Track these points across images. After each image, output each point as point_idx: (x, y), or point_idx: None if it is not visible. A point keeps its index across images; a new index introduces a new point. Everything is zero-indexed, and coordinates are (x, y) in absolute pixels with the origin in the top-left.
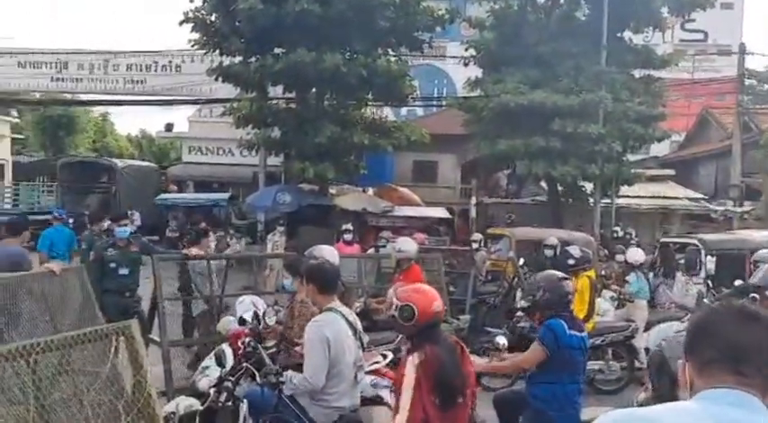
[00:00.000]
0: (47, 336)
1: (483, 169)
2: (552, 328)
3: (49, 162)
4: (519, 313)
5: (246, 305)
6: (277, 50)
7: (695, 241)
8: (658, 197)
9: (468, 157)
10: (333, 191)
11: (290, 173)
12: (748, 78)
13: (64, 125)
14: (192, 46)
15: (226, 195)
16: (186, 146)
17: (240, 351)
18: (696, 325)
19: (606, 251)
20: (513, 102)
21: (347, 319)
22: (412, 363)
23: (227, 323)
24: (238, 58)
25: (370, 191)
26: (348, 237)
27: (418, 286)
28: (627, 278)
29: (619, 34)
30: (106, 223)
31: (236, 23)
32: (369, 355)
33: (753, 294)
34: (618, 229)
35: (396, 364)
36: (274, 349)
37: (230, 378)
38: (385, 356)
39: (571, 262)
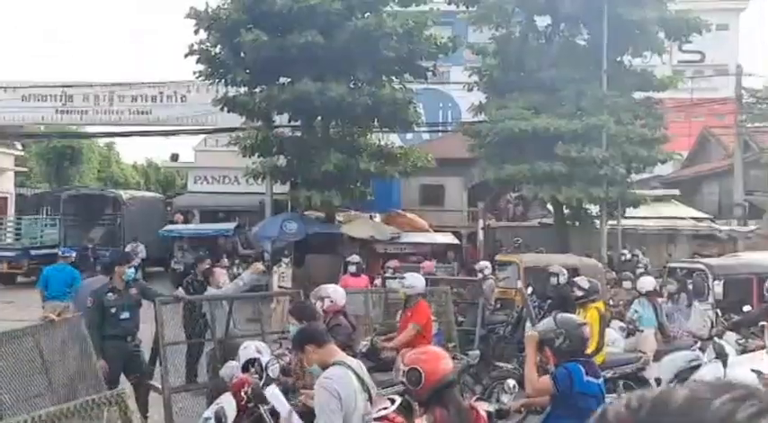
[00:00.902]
0: (42, 391)
1: (489, 192)
2: (570, 371)
3: (53, 194)
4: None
5: (251, 352)
6: (282, 80)
7: (702, 266)
8: (664, 218)
9: (475, 180)
10: (340, 218)
11: (297, 201)
12: (747, 98)
13: (68, 156)
14: (198, 77)
15: (232, 225)
16: (192, 175)
17: (243, 402)
18: None
19: (615, 274)
20: (518, 127)
21: (356, 373)
22: None
23: (231, 370)
24: (243, 89)
25: (378, 217)
26: (353, 269)
27: (425, 348)
28: (633, 306)
29: (618, 58)
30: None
31: (241, 55)
32: (376, 400)
33: (762, 323)
34: (626, 251)
35: (405, 408)
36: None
37: None
38: (393, 401)
39: (579, 294)
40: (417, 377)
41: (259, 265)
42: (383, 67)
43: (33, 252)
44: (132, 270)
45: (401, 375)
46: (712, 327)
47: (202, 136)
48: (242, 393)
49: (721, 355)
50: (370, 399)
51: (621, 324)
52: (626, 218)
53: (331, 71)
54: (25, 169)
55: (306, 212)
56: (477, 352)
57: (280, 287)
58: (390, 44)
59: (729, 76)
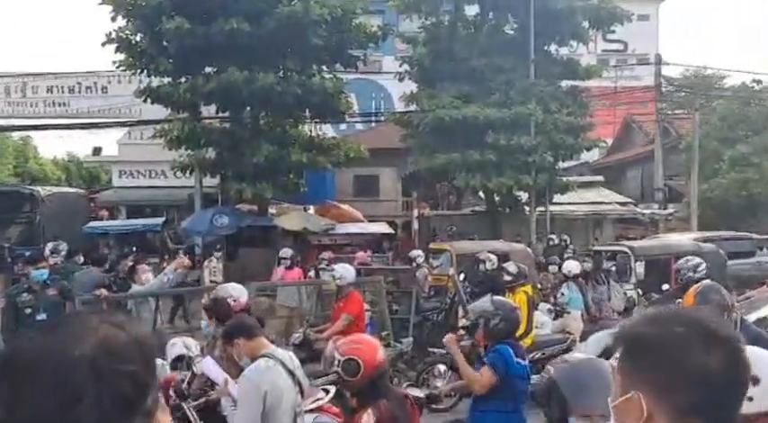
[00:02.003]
0: None
1: (424, 181)
2: (502, 354)
3: None
4: (461, 331)
5: (179, 348)
6: (208, 70)
7: (625, 248)
8: (590, 203)
9: (409, 169)
10: (273, 210)
11: (227, 194)
12: (666, 86)
13: None
14: (118, 67)
15: (159, 220)
16: (116, 170)
17: (170, 400)
18: (662, 351)
19: (543, 260)
20: (448, 116)
21: (285, 365)
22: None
23: (159, 369)
24: (167, 79)
25: (312, 209)
26: (287, 262)
27: (359, 337)
28: (561, 290)
29: (546, 47)
30: None
31: (164, 43)
32: (310, 391)
33: (678, 300)
34: (553, 236)
35: (340, 398)
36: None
37: None
38: (327, 391)
39: (508, 278)
40: (355, 367)
41: (184, 260)
42: (312, 56)
43: None
44: (42, 272)
45: (336, 365)
46: (635, 306)
47: (126, 129)
48: (170, 392)
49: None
50: (302, 391)
51: (549, 306)
52: (554, 204)
53: (259, 60)
54: None
55: (237, 206)
56: (411, 339)
57: (211, 281)
58: (319, 32)
59: (650, 64)
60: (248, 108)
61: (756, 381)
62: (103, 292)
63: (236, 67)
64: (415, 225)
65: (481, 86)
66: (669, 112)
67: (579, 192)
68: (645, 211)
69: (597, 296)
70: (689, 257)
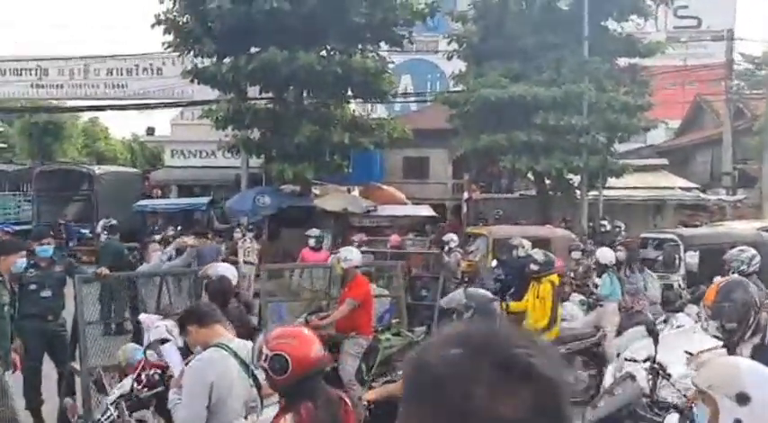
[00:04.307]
0: None
1: (476, 164)
2: None
3: (30, 170)
4: None
5: (161, 331)
6: (253, 50)
7: (674, 236)
8: (650, 188)
9: (460, 151)
10: (317, 191)
11: (270, 174)
12: (740, 64)
13: (51, 132)
14: (166, 48)
15: (205, 199)
16: (169, 149)
17: (143, 383)
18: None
19: (592, 246)
20: (494, 95)
21: (238, 356)
22: None
23: (130, 352)
24: (212, 60)
25: (356, 190)
26: (312, 242)
27: (295, 330)
28: (596, 280)
29: (603, 23)
30: None
31: (209, 24)
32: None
33: None
34: (605, 222)
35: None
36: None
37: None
38: None
39: (534, 268)
40: (283, 365)
41: (186, 239)
42: (354, 35)
43: (7, 228)
44: (46, 248)
45: (263, 361)
46: (680, 298)
47: (179, 109)
48: (142, 376)
49: (652, 332)
50: (258, 385)
51: (582, 297)
52: (609, 188)
53: (299, 39)
54: (4, 145)
55: (282, 186)
56: (423, 328)
57: (245, 262)
58: (361, 10)
59: (723, 41)
60: (290, 88)
61: (745, 399)
62: (104, 270)
63: (278, 46)
64: (465, 208)
65: (531, 64)
66: (747, 92)
67: (640, 175)
68: (711, 197)
69: (631, 286)
70: (743, 248)
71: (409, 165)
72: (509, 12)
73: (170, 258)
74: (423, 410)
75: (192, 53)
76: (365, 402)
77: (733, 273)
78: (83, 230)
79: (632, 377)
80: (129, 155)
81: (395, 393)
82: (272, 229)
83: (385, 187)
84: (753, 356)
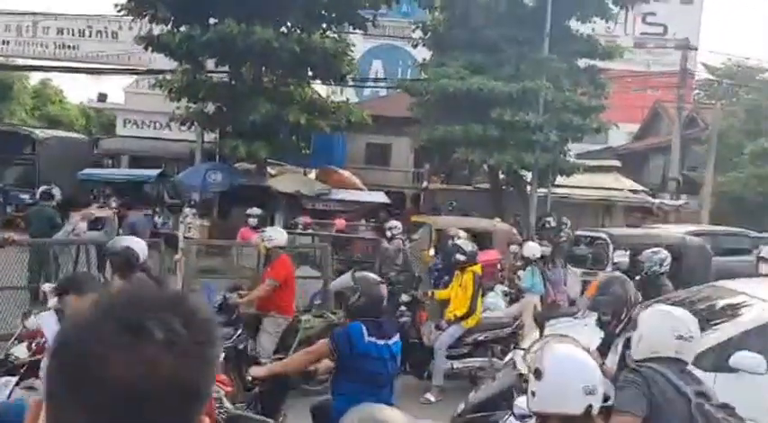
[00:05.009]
0: None
1: (435, 154)
2: (348, 330)
3: None
4: (402, 308)
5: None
6: (212, 22)
7: (604, 235)
8: (600, 188)
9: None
10: (273, 172)
11: (224, 151)
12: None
13: None
14: (119, 11)
15: (155, 172)
16: (121, 118)
17: (33, 350)
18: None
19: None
20: (452, 86)
21: None
22: None
23: (41, 319)
24: (168, 27)
25: (313, 173)
26: (253, 222)
27: None
28: (520, 273)
29: (566, 22)
30: None
31: None
32: None
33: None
34: (550, 219)
35: (236, 365)
36: None
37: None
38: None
39: (461, 258)
40: None
41: (92, 211)
42: (317, 15)
43: None
44: None
45: None
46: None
47: (134, 77)
48: (33, 343)
49: (536, 322)
50: None
51: (505, 289)
52: (560, 186)
53: (259, 13)
54: None
55: (236, 164)
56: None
57: (185, 238)
58: None
59: (685, 50)
60: (247, 63)
61: (539, 374)
62: (12, 235)
63: (236, 19)
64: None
65: (493, 58)
66: (706, 102)
67: (592, 175)
68: (654, 201)
69: (553, 279)
70: (656, 249)
71: (371, 151)
72: (475, 2)
73: (73, 229)
74: (56, 374)
75: (146, 18)
76: (250, 378)
77: (646, 273)
78: (22, 196)
79: (514, 364)
80: (84, 121)
81: (283, 370)
82: (222, 206)
83: (342, 172)
84: (625, 348)
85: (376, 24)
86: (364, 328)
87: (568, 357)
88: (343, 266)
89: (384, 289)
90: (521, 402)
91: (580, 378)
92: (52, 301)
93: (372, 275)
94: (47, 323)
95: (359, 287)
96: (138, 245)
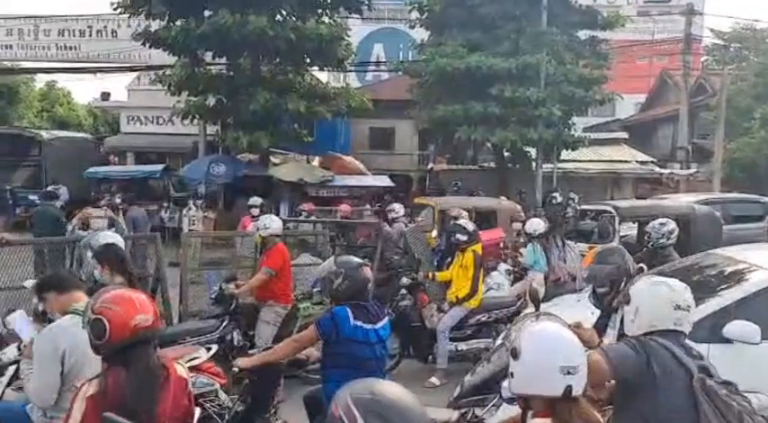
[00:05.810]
0: None
1: (439, 135)
2: (334, 314)
3: None
4: (402, 291)
5: None
6: (207, 14)
7: (609, 208)
8: (607, 161)
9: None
10: (275, 161)
11: (226, 142)
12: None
13: (4, 95)
14: (115, 9)
15: (159, 167)
16: (125, 115)
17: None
18: None
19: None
20: (450, 66)
21: None
22: (82, 395)
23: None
24: (163, 22)
25: (316, 160)
26: (255, 211)
27: (119, 295)
28: (522, 250)
29: None
30: None
31: None
32: (190, 349)
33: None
34: (556, 194)
35: (225, 356)
36: None
37: None
38: (209, 349)
39: (463, 238)
40: (101, 330)
41: (89, 210)
42: (310, 0)
43: None
44: None
45: (86, 324)
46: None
47: (135, 74)
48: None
49: (534, 302)
50: None
51: (508, 267)
52: (567, 161)
53: (253, 3)
54: None
55: (239, 155)
56: None
57: (190, 231)
58: None
59: (689, 15)
60: (244, 53)
61: (516, 354)
62: (5, 236)
63: (230, 10)
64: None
65: (490, 35)
66: (714, 68)
67: (599, 149)
68: (663, 171)
69: (552, 256)
70: (663, 221)
71: (375, 136)
72: None
73: (72, 231)
74: None
75: (143, 15)
76: (236, 369)
77: (652, 244)
78: (31, 197)
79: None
80: (91, 120)
81: (270, 360)
82: (227, 198)
83: (345, 157)
84: (622, 324)
85: (371, 8)
86: (350, 311)
87: (545, 336)
88: (349, 251)
89: (368, 271)
90: (507, 385)
91: (557, 357)
92: (34, 299)
93: (355, 259)
94: (18, 323)
95: (342, 271)
96: (115, 239)
